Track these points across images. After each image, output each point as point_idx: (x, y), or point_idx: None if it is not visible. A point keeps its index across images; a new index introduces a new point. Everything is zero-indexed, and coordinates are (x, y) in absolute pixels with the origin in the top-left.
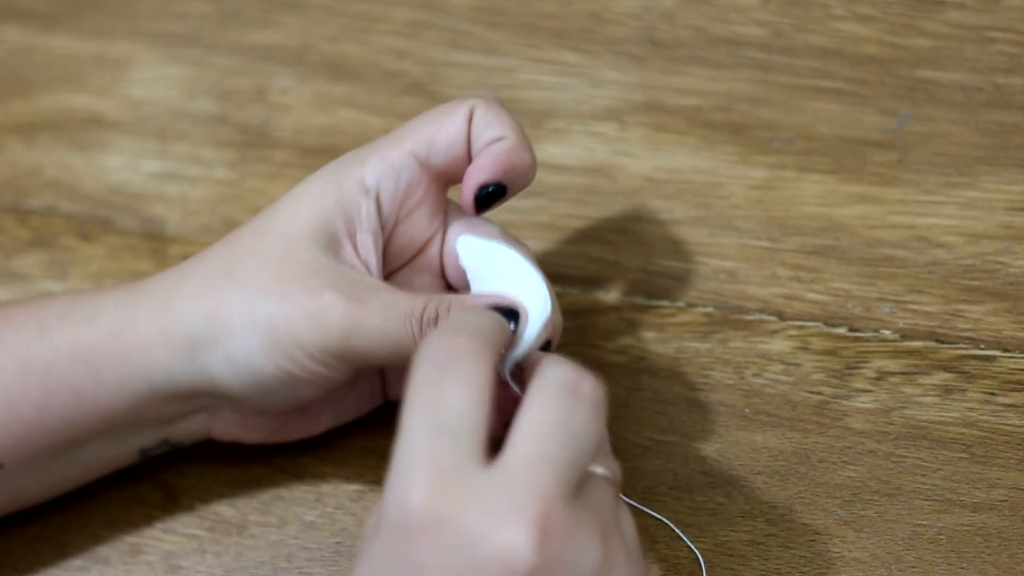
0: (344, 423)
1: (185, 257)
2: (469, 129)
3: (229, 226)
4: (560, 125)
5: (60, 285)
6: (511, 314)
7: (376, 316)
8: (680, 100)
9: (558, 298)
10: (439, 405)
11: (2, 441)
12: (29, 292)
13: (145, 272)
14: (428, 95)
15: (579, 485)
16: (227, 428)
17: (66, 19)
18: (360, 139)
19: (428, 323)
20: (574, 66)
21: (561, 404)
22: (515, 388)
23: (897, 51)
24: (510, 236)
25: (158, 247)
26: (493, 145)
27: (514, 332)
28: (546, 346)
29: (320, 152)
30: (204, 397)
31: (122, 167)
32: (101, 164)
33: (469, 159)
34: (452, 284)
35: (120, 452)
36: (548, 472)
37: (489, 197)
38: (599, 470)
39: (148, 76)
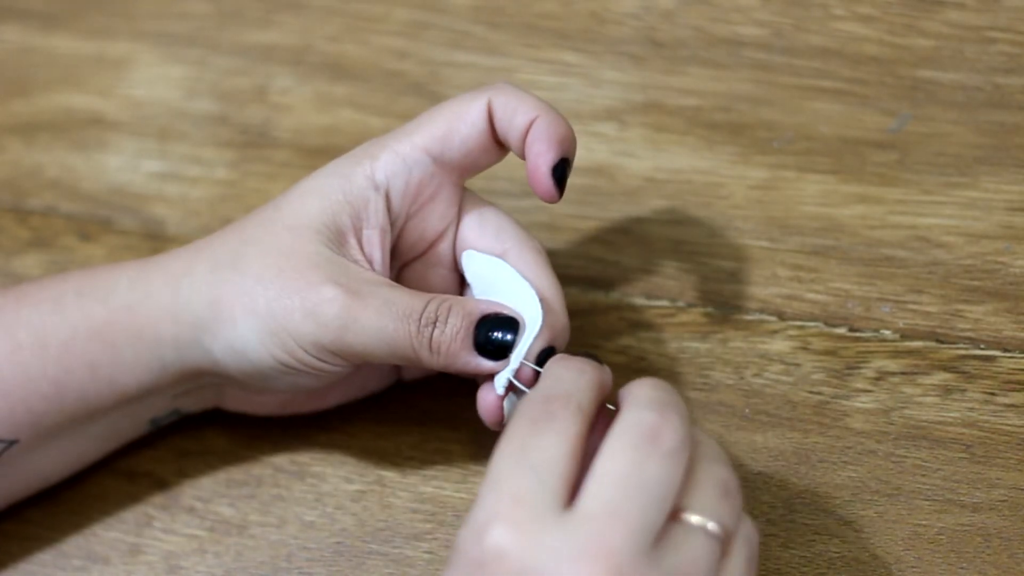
0: (353, 400)
1: None
2: (491, 123)
3: None
4: None
5: None
6: (510, 325)
7: (372, 312)
8: (680, 100)
9: None
10: (529, 448)
11: (20, 417)
12: None
13: None
14: (428, 95)
15: (659, 535)
16: (235, 402)
17: (66, 19)
18: (360, 139)
19: (427, 324)
20: (574, 66)
21: (634, 454)
22: (522, 388)
23: (897, 51)
24: (521, 227)
25: (158, 247)
26: (535, 127)
27: (513, 343)
28: (548, 352)
29: (320, 152)
30: (210, 375)
31: (122, 167)
32: (101, 164)
33: (487, 153)
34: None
35: (132, 424)
36: (617, 525)
37: (563, 175)
38: (694, 519)
39: (148, 76)
